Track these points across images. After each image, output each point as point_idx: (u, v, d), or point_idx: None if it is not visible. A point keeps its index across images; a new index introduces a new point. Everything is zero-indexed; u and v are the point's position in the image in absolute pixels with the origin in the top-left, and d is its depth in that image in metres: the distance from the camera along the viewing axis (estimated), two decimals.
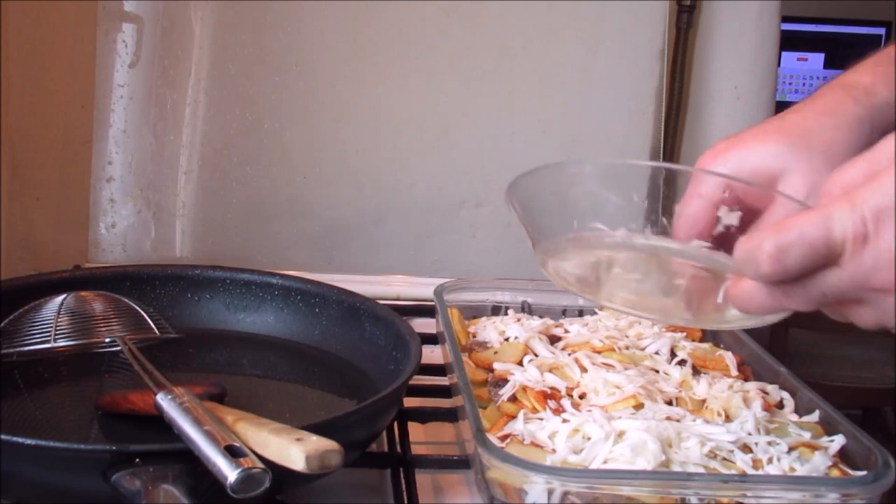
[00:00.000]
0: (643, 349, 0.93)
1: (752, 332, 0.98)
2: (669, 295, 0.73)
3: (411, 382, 0.82)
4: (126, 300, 0.94)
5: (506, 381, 0.84)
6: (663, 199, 0.71)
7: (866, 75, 0.71)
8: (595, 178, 0.72)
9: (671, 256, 0.69)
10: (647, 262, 0.73)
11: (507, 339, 0.95)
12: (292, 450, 0.62)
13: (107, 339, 0.90)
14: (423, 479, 0.81)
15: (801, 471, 0.72)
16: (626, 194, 0.70)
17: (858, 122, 0.69)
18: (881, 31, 3.27)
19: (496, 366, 0.88)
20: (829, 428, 0.79)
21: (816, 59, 3.28)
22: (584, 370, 0.86)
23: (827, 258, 0.56)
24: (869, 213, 0.55)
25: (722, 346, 0.97)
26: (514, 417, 0.78)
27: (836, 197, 0.57)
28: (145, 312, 0.94)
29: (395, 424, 0.87)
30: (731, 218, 0.68)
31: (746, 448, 0.74)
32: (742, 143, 0.70)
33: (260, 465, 0.61)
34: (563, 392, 0.82)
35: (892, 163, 0.55)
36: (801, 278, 0.58)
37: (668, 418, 0.77)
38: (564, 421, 0.76)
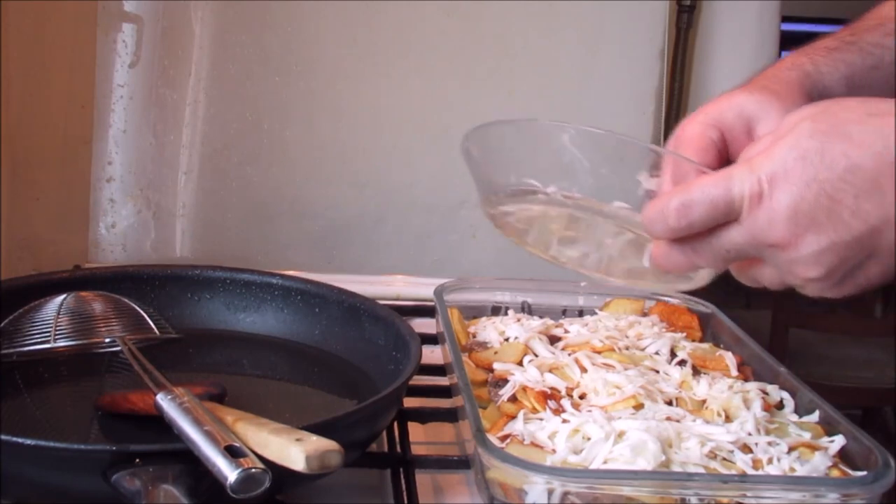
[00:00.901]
0: (643, 349, 0.93)
1: (752, 333, 0.98)
2: (604, 255, 0.78)
3: (411, 382, 0.82)
4: (126, 300, 0.94)
5: (506, 381, 0.84)
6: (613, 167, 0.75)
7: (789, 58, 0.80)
8: (545, 138, 0.76)
9: (596, 214, 0.73)
10: (579, 221, 0.76)
11: (507, 339, 0.95)
12: (292, 450, 0.62)
13: (107, 339, 0.90)
14: (423, 479, 0.81)
15: (801, 471, 0.72)
16: (574, 157, 0.73)
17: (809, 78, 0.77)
18: None
19: (496, 366, 0.88)
20: (829, 428, 0.79)
21: None
22: (584, 370, 0.86)
23: (727, 214, 0.62)
24: (765, 176, 0.61)
25: (722, 346, 0.97)
26: (514, 417, 0.78)
27: (741, 161, 0.64)
28: (145, 312, 0.94)
29: (395, 424, 0.87)
30: (650, 183, 0.71)
31: (746, 448, 0.74)
32: (733, 94, 0.75)
33: (260, 465, 0.61)
34: (563, 392, 0.82)
35: (786, 135, 0.61)
36: (706, 235, 0.64)
37: (668, 418, 0.77)
38: (564, 421, 0.76)
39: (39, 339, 0.88)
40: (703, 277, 0.74)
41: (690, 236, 0.65)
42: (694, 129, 0.74)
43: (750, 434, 0.76)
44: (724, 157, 0.73)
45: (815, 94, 0.77)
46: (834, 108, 0.62)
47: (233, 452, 0.62)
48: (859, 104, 0.62)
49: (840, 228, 0.60)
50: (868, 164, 0.59)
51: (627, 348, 0.93)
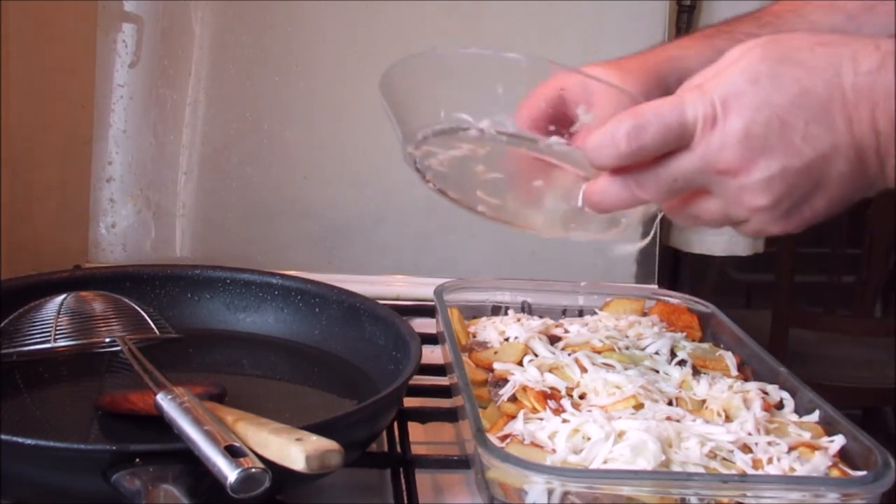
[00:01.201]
0: (643, 349, 0.93)
1: (752, 333, 0.98)
2: (529, 200, 0.75)
3: (411, 382, 0.82)
4: (126, 300, 0.94)
5: (506, 381, 0.84)
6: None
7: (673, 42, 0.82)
8: (464, 68, 0.72)
9: (531, 150, 0.70)
10: (508, 159, 0.74)
11: (507, 339, 0.95)
12: (292, 450, 0.62)
13: (107, 339, 0.90)
14: (423, 479, 0.81)
15: (801, 471, 0.72)
16: (491, 86, 0.70)
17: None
18: None
19: (496, 366, 0.88)
20: (829, 428, 0.79)
21: None
22: (584, 370, 0.86)
23: (679, 139, 0.60)
24: (718, 99, 0.60)
25: (722, 346, 0.97)
26: (514, 417, 0.78)
27: (689, 88, 0.62)
28: (145, 312, 0.94)
29: (395, 424, 0.87)
30: (588, 117, 0.69)
31: (746, 448, 0.74)
32: (590, 67, 0.77)
33: (260, 465, 0.61)
34: (563, 392, 0.83)
35: (736, 61, 0.61)
36: (653, 164, 0.62)
37: (668, 418, 0.77)
38: (564, 421, 0.76)
39: (39, 339, 0.88)
40: (632, 222, 0.72)
41: (634, 167, 0.63)
42: (541, 92, 0.73)
43: (750, 434, 0.76)
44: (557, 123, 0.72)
45: (671, 77, 0.76)
46: (783, 38, 0.62)
47: (233, 452, 0.62)
48: (808, 35, 0.61)
49: (791, 153, 0.59)
50: (819, 90, 0.59)
51: (627, 348, 0.93)
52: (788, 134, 0.59)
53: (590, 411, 0.78)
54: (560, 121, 0.72)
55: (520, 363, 0.88)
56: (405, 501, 0.78)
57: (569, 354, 0.89)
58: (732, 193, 0.62)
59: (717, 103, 0.60)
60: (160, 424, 0.70)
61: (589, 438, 0.73)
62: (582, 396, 0.82)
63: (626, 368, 0.87)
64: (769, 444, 0.75)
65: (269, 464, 0.62)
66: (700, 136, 0.61)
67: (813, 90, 0.59)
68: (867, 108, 0.59)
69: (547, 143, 0.69)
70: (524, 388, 0.82)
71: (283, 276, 1.01)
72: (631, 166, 0.63)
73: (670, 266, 1.75)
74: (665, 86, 0.77)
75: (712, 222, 0.66)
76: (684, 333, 0.99)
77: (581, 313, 1.07)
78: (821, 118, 0.59)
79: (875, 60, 0.59)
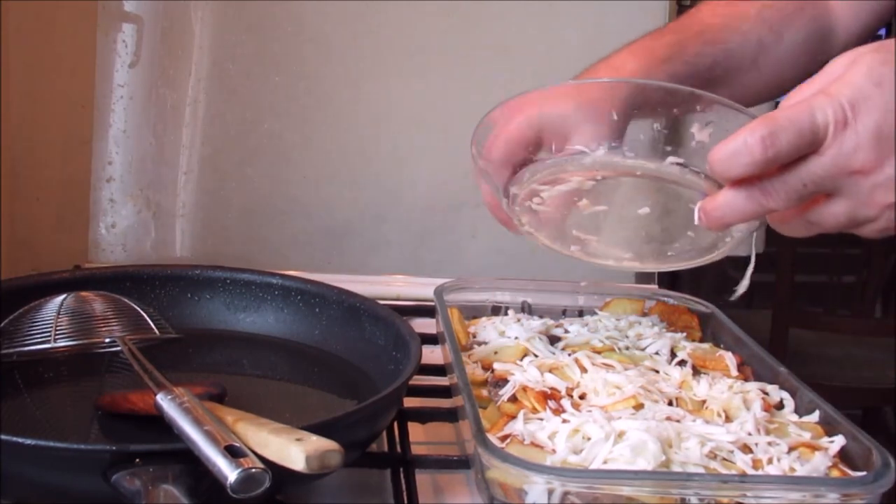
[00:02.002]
0: (643, 349, 0.93)
1: (752, 333, 0.98)
2: (630, 233, 0.76)
3: (411, 382, 0.82)
4: (126, 300, 0.94)
5: (506, 381, 0.84)
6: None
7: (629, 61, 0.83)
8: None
9: (647, 172, 0.71)
10: (615, 189, 0.75)
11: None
12: (292, 450, 0.62)
13: (107, 339, 0.90)
14: (423, 479, 0.81)
15: (801, 471, 0.72)
16: (600, 115, 0.72)
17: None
18: (881, 30, 3.27)
19: (496, 366, 0.88)
20: (829, 428, 0.79)
21: None
22: (584, 370, 0.86)
23: (812, 143, 0.61)
24: (846, 102, 0.61)
25: (722, 346, 0.97)
26: (514, 417, 0.78)
27: (811, 94, 0.62)
28: (145, 312, 0.94)
29: (395, 424, 0.87)
30: (703, 135, 0.70)
31: (746, 448, 0.74)
32: (556, 100, 0.79)
33: (260, 465, 0.61)
34: (563, 392, 0.82)
35: (851, 66, 0.62)
36: (782, 171, 0.63)
37: (668, 418, 0.77)
38: (564, 421, 0.76)
39: (39, 339, 0.88)
40: (734, 242, 0.72)
41: (758, 177, 0.63)
42: (516, 126, 0.76)
43: (750, 434, 0.76)
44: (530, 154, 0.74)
45: (637, 102, 0.77)
46: (887, 44, 0.63)
47: (233, 452, 0.62)
48: None
49: None
50: None
51: (627, 348, 0.93)
52: None
53: (590, 411, 0.77)
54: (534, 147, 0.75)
55: (520, 363, 0.88)
56: (405, 501, 0.78)
57: (569, 354, 0.89)
58: (864, 193, 0.63)
59: (846, 106, 0.61)
60: (160, 424, 0.70)
61: (589, 438, 0.73)
62: (582, 396, 0.82)
63: (626, 368, 0.87)
64: (769, 444, 0.75)
65: (269, 464, 0.62)
66: (832, 138, 0.62)
67: None
68: None
69: (665, 163, 0.70)
70: (524, 388, 0.82)
71: (283, 276, 1.01)
72: (754, 177, 0.64)
73: None
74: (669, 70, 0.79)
75: (834, 226, 0.67)
76: (684, 333, 0.99)
77: (581, 313, 1.07)
78: None
79: None
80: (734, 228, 0.72)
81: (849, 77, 0.62)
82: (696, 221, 0.69)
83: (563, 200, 0.77)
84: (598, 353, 0.91)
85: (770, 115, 0.63)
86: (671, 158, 0.70)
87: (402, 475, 0.80)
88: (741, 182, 0.65)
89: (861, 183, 0.63)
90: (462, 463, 0.81)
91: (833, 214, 0.66)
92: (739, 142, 0.62)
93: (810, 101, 0.62)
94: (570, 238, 0.79)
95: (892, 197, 0.63)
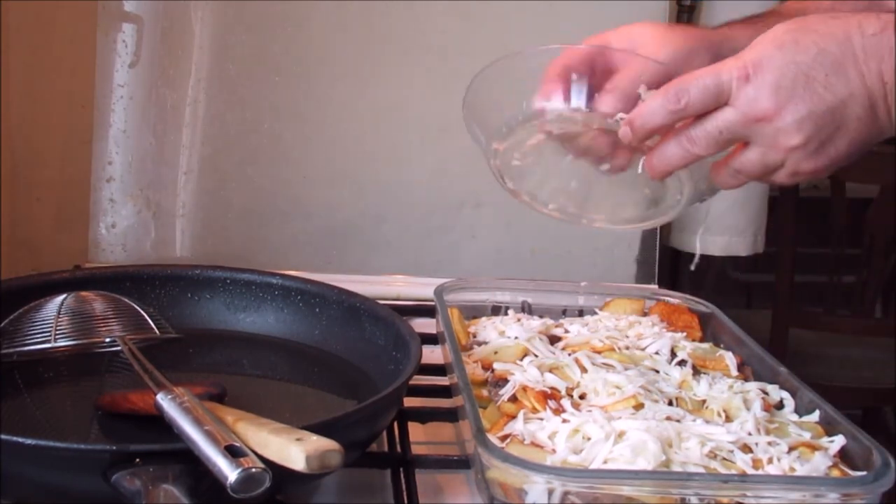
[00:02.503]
0: (643, 349, 0.93)
1: (752, 333, 0.98)
2: (598, 189, 0.87)
3: (411, 382, 0.82)
4: (126, 300, 0.94)
5: (506, 381, 0.84)
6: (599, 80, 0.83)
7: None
8: (538, 64, 0.84)
9: (601, 125, 0.81)
10: (582, 143, 0.84)
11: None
12: (292, 450, 0.62)
13: (107, 339, 0.90)
14: (423, 479, 0.81)
15: (801, 471, 0.72)
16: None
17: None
18: None
19: (496, 366, 0.88)
20: (829, 428, 0.79)
21: None
22: (584, 370, 0.86)
23: (717, 95, 0.73)
24: (749, 61, 0.72)
25: (722, 346, 0.97)
26: (514, 417, 0.78)
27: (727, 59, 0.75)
28: (145, 312, 0.94)
29: (395, 424, 0.87)
30: (649, 95, 0.79)
31: (746, 448, 0.74)
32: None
33: (260, 465, 0.61)
34: (563, 392, 0.82)
35: (763, 36, 0.73)
36: (702, 121, 0.74)
37: (669, 418, 0.77)
38: (564, 421, 0.76)
39: (39, 339, 0.88)
40: (683, 200, 0.83)
41: (685, 126, 0.75)
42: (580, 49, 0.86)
43: (750, 434, 0.76)
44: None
45: (724, 49, 0.85)
46: (800, 19, 0.74)
47: (233, 452, 0.62)
48: (820, 15, 0.75)
49: (815, 99, 0.71)
50: (834, 50, 0.71)
51: (627, 348, 0.93)
52: (812, 84, 0.71)
53: (590, 411, 0.78)
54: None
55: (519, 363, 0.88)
56: (405, 501, 0.78)
57: (569, 354, 0.89)
58: (769, 137, 0.73)
59: (749, 65, 0.72)
60: (160, 424, 0.70)
61: (589, 438, 0.73)
62: (582, 396, 0.82)
63: (626, 368, 0.87)
64: (769, 444, 0.75)
65: (269, 464, 0.62)
66: (736, 91, 0.72)
67: (829, 50, 0.71)
68: (875, 63, 0.71)
69: (616, 119, 0.79)
70: (524, 388, 0.82)
71: (283, 276, 1.01)
72: (682, 127, 0.75)
73: (670, 266, 1.75)
74: (714, 52, 0.86)
75: (752, 172, 0.76)
76: (684, 333, 0.99)
77: (581, 313, 1.07)
78: (838, 72, 0.71)
79: (878, 26, 0.71)
80: (684, 187, 0.82)
81: (756, 44, 0.73)
82: (640, 170, 0.80)
83: (537, 154, 0.86)
84: (598, 353, 0.91)
85: (682, 77, 0.75)
86: (621, 114, 0.79)
87: (402, 475, 0.80)
88: (672, 132, 0.76)
89: (766, 129, 0.72)
90: (462, 463, 0.81)
91: (750, 161, 0.75)
92: (657, 98, 0.75)
93: (720, 64, 0.73)
94: (547, 195, 0.87)
95: (794, 140, 0.72)
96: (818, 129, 0.72)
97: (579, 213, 0.88)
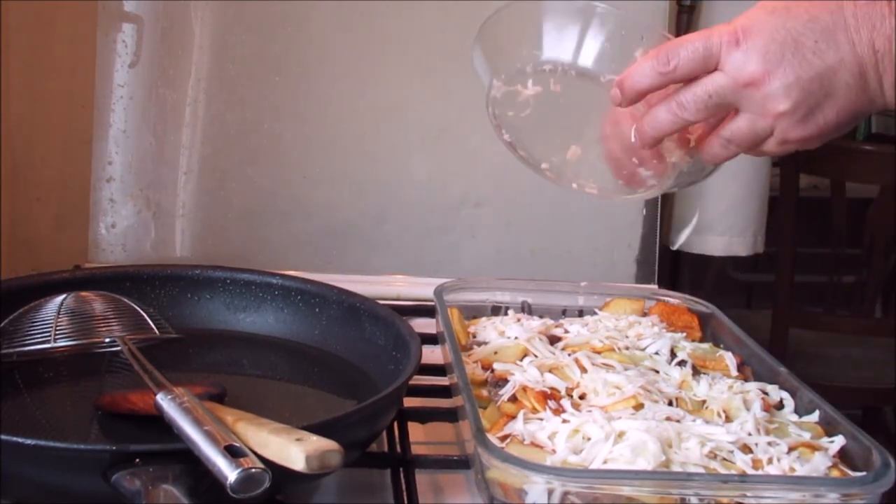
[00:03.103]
0: (643, 349, 0.93)
1: (752, 333, 0.98)
2: (591, 154, 0.86)
3: (411, 382, 0.82)
4: (126, 300, 0.94)
5: (506, 381, 0.84)
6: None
7: None
8: (556, 15, 0.84)
9: (596, 84, 0.81)
10: (579, 102, 0.85)
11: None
12: (292, 450, 0.62)
13: (107, 339, 0.90)
14: (423, 479, 0.81)
15: (801, 471, 0.72)
16: (577, 33, 0.83)
17: None
18: None
19: (496, 366, 0.88)
20: (829, 428, 0.79)
21: None
22: (583, 370, 0.86)
23: (706, 58, 0.73)
24: (740, 27, 0.72)
25: (722, 346, 0.97)
26: (514, 417, 0.78)
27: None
28: (145, 312, 0.94)
29: (395, 424, 0.87)
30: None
31: (746, 448, 0.74)
32: None
33: (260, 465, 0.61)
34: (563, 392, 0.82)
35: (760, 3, 0.74)
36: (692, 85, 0.74)
37: (668, 419, 0.77)
38: (564, 421, 0.76)
39: (39, 339, 0.88)
40: (669, 176, 0.83)
41: (673, 92, 0.75)
42: None
43: (750, 434, 0.76)
44: None
45: None
46: None
47: (233, 452, 0.62)
48: None
49: (804, 64, 0.71)
50: (825, 17, 0.71)
51: (627, 348, 0.93)
52: (801, 50, 0.71)
53: (590, 411, 0.77)
54: None
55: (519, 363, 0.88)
56: (405, 501, 0.78)
57: (569, 354, 0.89)
58: (758, 103, 0.73)
59: (739, 30, 0.72)
60: (160, 424, 0.70)
61: (589, 439, 0.73)
62: (582, 397, 0.82)
63: (626, 369, 0.87)
64: (769, 444, 0.75)
65: (269, 464, 0.62)
66: (725, 55, 0.72)
67: (820, 17, 0.71)
68: (867, 31, 0.70)
69: (608, 79, 0.80)
70: (524, 388, 0.82)
71: (283, 276, 1.01)
72: (675, 90, 0.75)
73: (670, 266, 1.75)
74: None
75: (744, 142, 0.76)
76: (684, 333, 0.99)
77: (581, 313, 1.07)
78: (828, 38, 0.71)
79: None
80: (677, 162, 0.83)
81: (750, 11, 0.74)
82: (632, 139, 0.80)
83: (535, 105, 0.85)
84: (598, 353, 0.91)
85: (673, 40, 0.76)
86: (611, 75, 0.79)
87: (402, 475, 0.80)
88: (663, 96, 0.76)
89: (754, 94, 0.73)
90: (462, 463, 0.81)
91: (739, 129, 0.76)
92: (647, 59, 0.75)
93: (711, 29, 0.74)
94: (542, 152, 0.87)
95: (782, 105, 0.72)
96: (806, 94, 0.72)
97: (572, 176, 0.87)
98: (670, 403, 0.82)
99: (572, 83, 0.82)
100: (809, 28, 0.71)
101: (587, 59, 0.81)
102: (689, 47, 0.73)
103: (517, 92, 0.84)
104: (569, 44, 0.82)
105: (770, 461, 0.73)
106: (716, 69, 0.73)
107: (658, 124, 0.77)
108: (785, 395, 0.86)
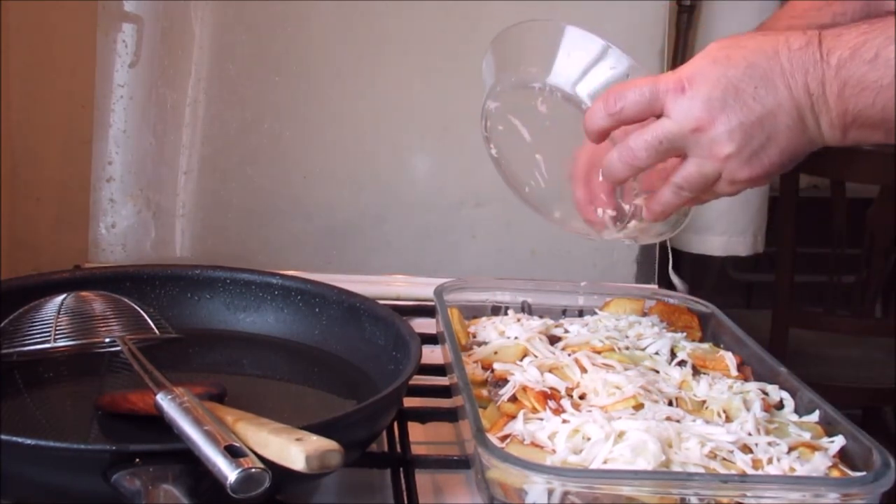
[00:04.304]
0: (643, 349, 0.93)
1: (752, 333, 0.98)
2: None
3: (411, 382, 0.82)
4: (126, 300, 0.94)
5: (506, 381, 0.84)
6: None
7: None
8: (563, 40, 0.86)
9: (577, 109, 0.82)
10: (564, 130, 0.85)
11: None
12: (292, 450, 0.62)
13: (107, 339, 0.90)
14: (423, 479, 0.81)
15: (801, 471, 0.72)
16: (580, 61, 0.84)
17: None
18: None
19: (496, 366, 0.88)
20: (829, 428, 0.79)
21: None
22: (583, 370, 0.86)
23: (652, 102, 0.77)
24: (685, 76, 0.77)
25: (722, 346, 0.97)
26: (514, 417, 0.78)
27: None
28: (145, 312, 0.94)
29: (395, 424, 0.87)
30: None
31: (746, 448, 0.74)
32: None
33: (260, 465, 0.61)
34: (563, 392, 0.82)
35: (701, 53, 0.78)
36: (643, 130, 0.77)
37: (668, 419, 0.77)
38: (564, 421, 0.76)
39: (39, 339, 0.88)
40: (633, 228, 0.85)
41: (626, 135, 0.78)
42: None
43: (750, 434, 0.76)
44: None
45: None
46: (734, 37, 0.79)
47: (233, 452, 0.62)
48: (753, 32, 0.81)
49: (745, 109, 0.75)
50: (763, 63, 0.75)
51: (627, 348, 0.93)
52: (742, 96, 0.75)
53: (590, 411, 0.78)
54: None
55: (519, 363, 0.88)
56: (405, 501, 0.78)
57: (569, 354, 0.89)
58: (704, 147, 0.76)
59: (684, 79, 0.76)
60: (160, 424, 0.70)
61: (589, 439, 0.73)
62: (582, 397, 0.82)
63: (626, 369, 0.87)
64: (769, 444, 0.75)
65: (269, 464, 0.62)
66: (672, 102, 0.76)
67: (758, 64, 0.75)
68: (801, 75, 0.74)
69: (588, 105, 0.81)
70: (524, 388, 0.82)
71: (283, 276, 1.01)
72: (626, 136, 0.78)
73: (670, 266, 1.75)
74: None
75: (695, 186, 0.79)
76: (684, 333, 0.99)
77: (581, 313, 1.07)
78: (766, 84, 0.75)
79: (803, 41, 0.75)
80: (640, 205, 0.84)
81: (694, 60, 0.78)
82: (600, 178, 0.83)
83: (527, 129, 0.88)
84: (598, 353, 0.90)
85: (623, 83, 0.80)
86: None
87: (402, 475, 0.80)
88: (619, 138, 0.79)
89: (701, 139, 0.76)
90: (462, 463, 0.81)
91: (689, 173, 0.79)
92: (598, 101, 0.79)
93: (658, 76, 0.78)
94: (525, 174, 0.89)
95: (727, 149, 0.76)
96: (749, 137, 0.75)
97: (551, 205, 0.89)
98: (670, 403, 0.82)
99: (569, 115, 0.84)
100: (748, 75, 0.75)
101: (585, 93, 0.83)
102: (636, 91, 0.77)
103: (512, 109, 0.86)
104: (574, 75, 0.84)
105: (770, 461, 0.73)
106: (661, 114, 0.77)
107: (612, 170, 0.80)
108: (785, 395, 0.86)
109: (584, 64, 0.84)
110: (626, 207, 0.85)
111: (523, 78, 0.84)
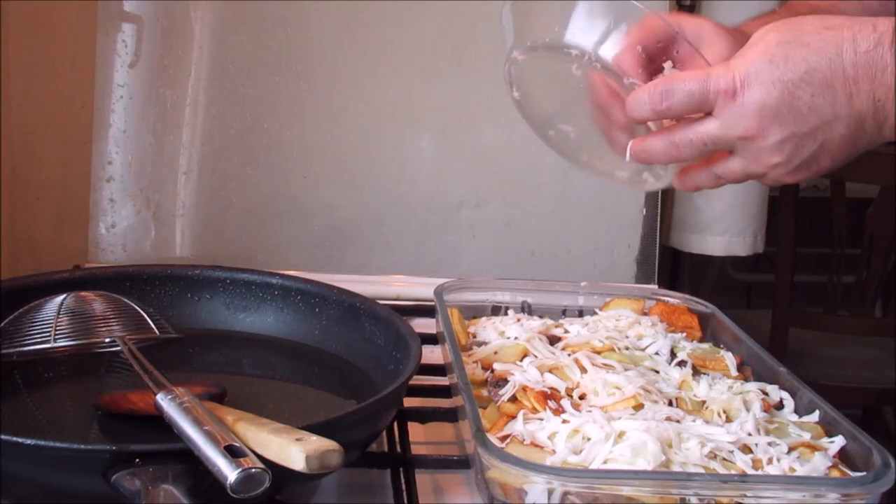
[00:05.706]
0: (643, 349, 0.93)
1: (752, 333, 0.98)
2: (593, 137, 0.84)
3: (411, 382, 0.82)
4: (126, 300, 0.94)
5: (506, 381, 0.84)
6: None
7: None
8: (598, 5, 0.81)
9: (614, 81, 0.79)
10: (594, 90, 0.82)
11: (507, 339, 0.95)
12: (292, 450, 0.63)
13: (107, 339, 0.90)
14: (423, 479, 0.81)
15: (801, 471, 0.72)
16: (611, 24, 0.79)
17: None
18: None
19: (496, 366, 0.88)
20: (829, 428, 0.79)
21: None
22: (583, 371, 0.86)
23: (702, 104, 0.72)
24: (738, 76, 0.71)
25: (722, 346, 0.97)
26: (514, 417, 0.78)
27: (719, 63, 0.74)
28: (145, 312, 0.94)
29: (395, 424, 0.87)
30: (671, 71, 0.78)
31: (746, 448, 0.74)
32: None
33: (260, 465, 0.61)
34: (563, 392, 0.83)
35: (756, 43, 0.72)
36: (688, 127, 0.74)
37: (668, 419, 0.77)
38: (564, 421, 0.76)
39: (39, 339, 0.88)
40: (668, 175, 0.82)
41: (671, 128, 0.75)
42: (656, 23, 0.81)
43: (750, 434, 0.76)
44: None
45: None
46: (795, 22, 0.73)
47: (233, 452, 0.62)
48: (816, 19, 0.72)
49: (799, 120, 0.71)
50: (823, 68, 0.70)
51: (627, 348, 0.93)
52: (797, 105, 0.70)
53: (590, 412, 0.78)
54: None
55: (519, 363, 0.88)
56: (405, 501, 0.78)
57: (569, 355, 0.89)
58: (752, 154, 0.73)
59: (737, 79, 0.71)
60: (160, 424, 0.70)
61: (589, 439, 0.73)
62: (582, 397, 0.82)
63: (626, 369, 0.87)
64: (769, 444, 0.75)
65: (269, 464, 0.62)
66: (722, 105, 0.72)
67: (818, 68, 0.70)
68: (867, 82, 0.69)
69: (629, 82, 0.77)
70: (524, 389, 0.82)
71: (283, 276, 1.01)
72: (672, 127, 0.75)
73: (670, 266, 1.75)
74: None
75: (733, 179, 0.77)
76: (684, 333, 0.99)
77: (581, 313, 1.07)
78: (825, 92, 0.70)
79: (872, 41, 0.69)
80: (668, 173, 0.82)
81: (748, 53, 0.72)
82: (627, 158, 0.79)
83: (551, 81, 0.84)
84: (598, 353, 0.91)
85: (674, 75, 0.74)
86: (633, 79, 0.77)
87: (402, 475, 0.80)
88: (663, 130, 0.76)
89: (749, 146, 0.73)
90: (462, 463, 0.81)
91: (731, 169, 0.76)
92: (644, 91, 0.74)
93: (711, 70, 0.73)
94: (549, 123, 0.86)
95: (775, 158, 0.73)
96: (799, 148, 0.72)
97: (574, 152, 0.87)
98: (670, 404, 0.82)
99: (586, 68, 0.80)
100: (806, 81, 0.70)
101: (606, 49, 0.79)
102: (686, 89, 0.72)
103: (532, 63, 0.83)
104: (599, 34, 0.80)
105: (770, 461, 0.73)
106: (711, 114, 0.73)
107: (650, 154, 0.77)
108: (785, 395, 0.86)
109: (609, 26, 0.80)
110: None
111: (553, 37, 0.81)
